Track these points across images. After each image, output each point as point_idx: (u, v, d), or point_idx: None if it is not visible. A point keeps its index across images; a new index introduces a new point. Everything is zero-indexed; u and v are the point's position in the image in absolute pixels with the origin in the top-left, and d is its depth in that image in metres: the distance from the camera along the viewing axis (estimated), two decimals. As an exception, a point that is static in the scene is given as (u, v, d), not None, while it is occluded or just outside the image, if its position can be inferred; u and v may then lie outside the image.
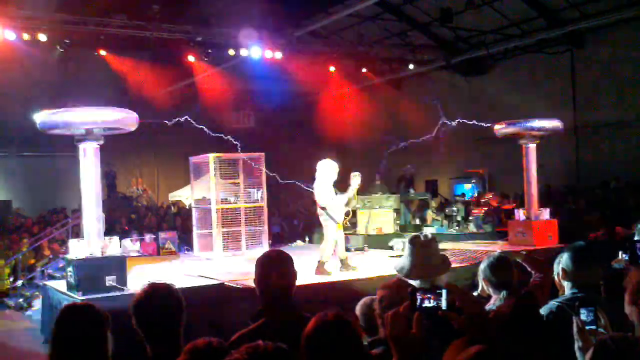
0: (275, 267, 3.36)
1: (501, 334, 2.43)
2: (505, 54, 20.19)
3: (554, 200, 17.47)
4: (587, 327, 2.88)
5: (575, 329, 2.86)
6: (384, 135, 22.72)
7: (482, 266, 4.36)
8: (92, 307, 3.15)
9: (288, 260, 3.43)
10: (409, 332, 2.31)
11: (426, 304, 2.35)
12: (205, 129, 12.08)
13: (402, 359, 2.31)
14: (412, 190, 17.57)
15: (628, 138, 17.57)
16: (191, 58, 18.67)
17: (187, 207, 19.10)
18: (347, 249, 10.87)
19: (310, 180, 10.55)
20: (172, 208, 20.93)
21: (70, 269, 9.01)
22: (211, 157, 13.34)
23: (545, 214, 13.14)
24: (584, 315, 2.94)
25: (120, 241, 9.80)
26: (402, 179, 17.97)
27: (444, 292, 2.35)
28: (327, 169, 10.10)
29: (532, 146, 13.13)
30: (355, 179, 10.17)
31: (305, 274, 9.46)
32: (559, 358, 3.21)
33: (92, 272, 8.75)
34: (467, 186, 21.06)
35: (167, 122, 12.70)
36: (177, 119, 11.48)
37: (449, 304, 2.34)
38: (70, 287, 8.98)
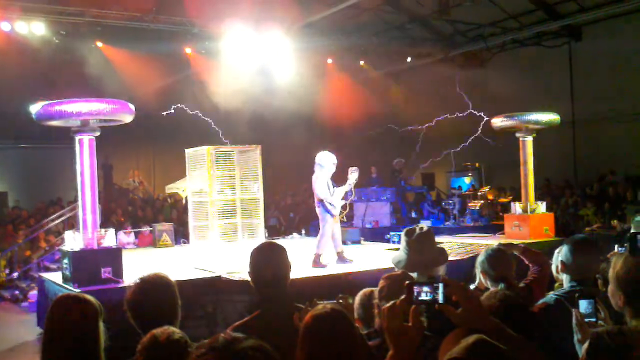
0: (269, 259, 3.35)
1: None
2: (503, 46, 20.16)
3: (550, 194, 17.51)
4: (586, 320, 2.86)
5: (574, 321, 2.85)
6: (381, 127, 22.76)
7: (479, 259, 4.35)
8: (85, 298, 3.13)
9: (282, 251, 3.42)
10: (406, 324, 2.30)
11: (423, 297, 2.34)
12: (200, 113, 12.14)
13: (398, 352, 2.30)
14: (403, 183, 17.59)
15: (625, 131, 17.57)
16: (188, 50, 18.61)
17: (184, 199, 19.08)
18: (344, 242, 10.86)
19: (307, 172, 10.54)
20: (169, 200, 20.91)
21: (66, 260, 8.99)
22: (207, 149, 13.30)
23: (542, 207, 13.15)
24: (583, 307, 2.92)
25: (116, 233, 9.78)
26: (393, 171, 18.01)
27: (440, 285, 2.34)
28: (325, 161, 10.09)
29: (529, 139, 13.14)
30: (353, 174, 10.16)
31: (302, 267, 9.46)
32: (556, 350, 3.19)
33: (87, 264, 8.74)
34: (467, 180, 21.09)
35: (163, 113, 12.70)
36: (171, 110, 11.48)
37: (445, 297, 2.32)
38: (65, 279, 8.97)
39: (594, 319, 2.89)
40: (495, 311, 2.80)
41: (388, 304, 2.36)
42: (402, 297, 2.35)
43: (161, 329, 2.77)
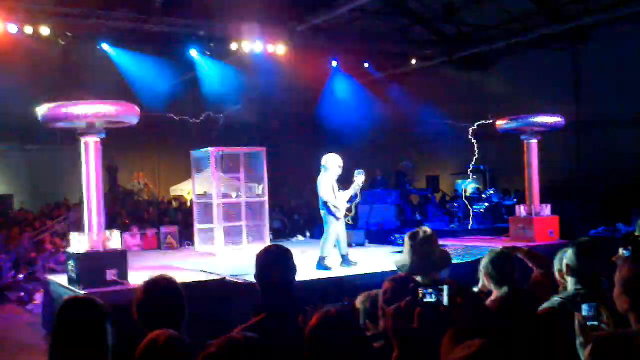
0: (275, 262, 3.38)
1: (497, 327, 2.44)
2: (507, 49, 20.15)
3: (555, 197, 17.48)
4: (589, 323, 2.87)
5: (577, 324, 2.86)
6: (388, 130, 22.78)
7: (483, 262, 4.36)
8: (92, 300, 3.15)
9: (288, 254, 3.45)
10: (411, 326, 2.32)
11: (428, 299, 2.36)
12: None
13: (403, 353, 2.32)
14: (408, 186, 17.60)
15: (630, 134, 17.55)
16: (193, 52, 18.66)
17: (189, 202, 19.11)
18: (348, 244, 10.87)
19: (312, 175, 10.56)
20: (174, 203, 20.95)
21: (71, 263, 9.01)
22: (212, 151, 13.34)
23: (547, 210, 13.14)
24: (586, 311, 2.93)
25: (121, 235, 9.80)
26: (399, 174, 18.02)
27: (445, 288, 2.36)
28: (331, 164, 10.09)
29: (534, 142, 13.12)
30: (360, 177, 10.16)
31: (306, 270, 9.47)
32: (560, 353, 3.21)
33: (93, 266, 8.75)
34: (472, 185, 21.02)
35: (171, 115, 12.74)
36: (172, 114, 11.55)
37: (450, 299, 2.34)
38: (71, 281, 8.99)
39: (596, 323, 2.89)
40: (499, 313, 2.82)
41: (393, 306, 2.38)
42: (407, 299, 2.37)
43: (159, 331, 2.78)
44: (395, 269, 4.06)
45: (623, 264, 3.11)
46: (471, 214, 16.01)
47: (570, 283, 3.86)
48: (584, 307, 2.93)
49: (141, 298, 3.25)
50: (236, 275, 9.24)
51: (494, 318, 3.40)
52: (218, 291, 8.92)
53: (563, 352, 3.20)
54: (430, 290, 2.37)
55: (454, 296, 2.35)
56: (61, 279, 9.81)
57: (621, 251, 5.02)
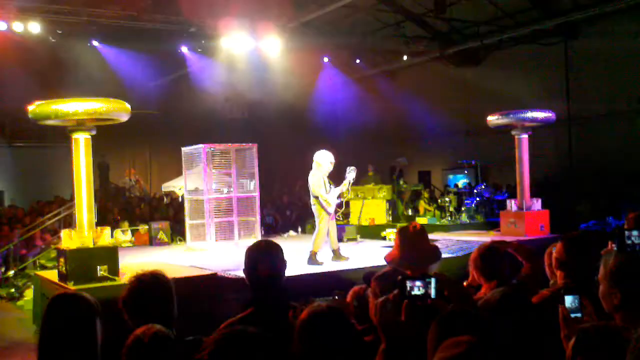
0: (263, 257, 3.38)
1: (489, 323, 2.44)
2: (499, 45, 20.17)
3: (546, 191, 17.54)
4: (572, 315, 2.87)
5: (560, 317, 2.86)
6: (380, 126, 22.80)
7: (472, 256, 4.38)
8: (81, 296, 3.14)
9: (277, 249, 3.45)
10: (398, 319, 2.33)
11: (415, 292, 2.37)
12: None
13: (390, 345, 2.33)
14: (401, 182, 17.62)
15: (621, 129, 17.60)
16: (184, 49, 18.61)
17: (180, 198, 19.08)
18: (340, 239, 10.89)
19: (303, 171, 10.59)
20: (165, 198, 20.90)
21: (62, 259, 9.00)
22: (204, 147, 13.33)
23: (537, 204, 13.19)
24: (569, 302, 2.94)
25: (112, 231, 9.79)
26: (393, 170, 18.03)
27: (432, 280, 2.37)
28: (323, 160, 10.13)
29: (525, 137, 13.17)
30: (351, 173, 10.21)
31: (298, 264, 9.49)
32: (549, 346, 3.22)
33: (83, 262, 8.75)
34: (463, 180, 21.09)
35: (158, 112, 12.70)
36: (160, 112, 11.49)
37: (437, 292, 2.35)
38: (62, 277, 8.98)
39: (579, 315, 2.90)
40: (496, 306, 2.81)
41: (381, 299, 2.39)
42: (395, 291, 2.38)
43: (144, 327, 2.78)
44: (385, 263, 4.08)
45: (607, 257, 3.06)
46: (462, 208, 16.04)
47: (560, 277, 3.87)
48: (567, 299, 2.94)
49: (130, 294, 3.24)
50: (227, 271, 9.25)
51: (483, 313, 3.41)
52: (209, 286, 8.93)
53: (552, 345, 3.21)
54: (418, 283, 2.38)
55: (442, 289, 2.35)
56: (51, 275, 9.80)
57: (610, 245, 5.04)
